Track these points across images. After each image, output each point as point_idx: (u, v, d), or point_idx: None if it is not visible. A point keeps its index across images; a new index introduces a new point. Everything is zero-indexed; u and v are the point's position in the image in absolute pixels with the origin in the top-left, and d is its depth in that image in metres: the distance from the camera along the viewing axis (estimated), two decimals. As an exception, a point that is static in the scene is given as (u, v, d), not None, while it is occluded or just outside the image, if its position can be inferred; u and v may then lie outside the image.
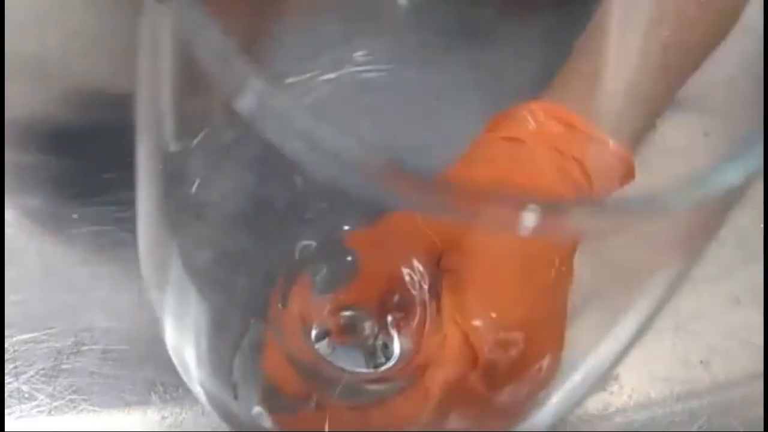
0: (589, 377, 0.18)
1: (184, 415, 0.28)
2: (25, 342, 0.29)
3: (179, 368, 0.19)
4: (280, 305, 0.20)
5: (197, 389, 0.19)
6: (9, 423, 0.27)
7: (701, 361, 0.32)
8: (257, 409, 0.19)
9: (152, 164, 0.17)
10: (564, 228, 0.11)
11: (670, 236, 0.14)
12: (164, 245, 0.17)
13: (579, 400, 0.19)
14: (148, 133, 0.16)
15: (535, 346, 0.19)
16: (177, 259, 0.17)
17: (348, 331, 0.21)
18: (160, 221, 0.17)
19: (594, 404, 0.30)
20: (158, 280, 0.18)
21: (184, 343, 0.18)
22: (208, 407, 0.19)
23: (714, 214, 0.14)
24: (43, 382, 0.28)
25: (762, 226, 0.34)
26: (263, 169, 0.18)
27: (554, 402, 0.18)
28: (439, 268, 0.20)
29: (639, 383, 0.31)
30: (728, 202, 0.13)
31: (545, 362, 0.19)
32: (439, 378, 0.19)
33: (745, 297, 0.33)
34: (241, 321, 0.20)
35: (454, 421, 0.20)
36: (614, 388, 0.31)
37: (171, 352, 0.19)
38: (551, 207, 0.10)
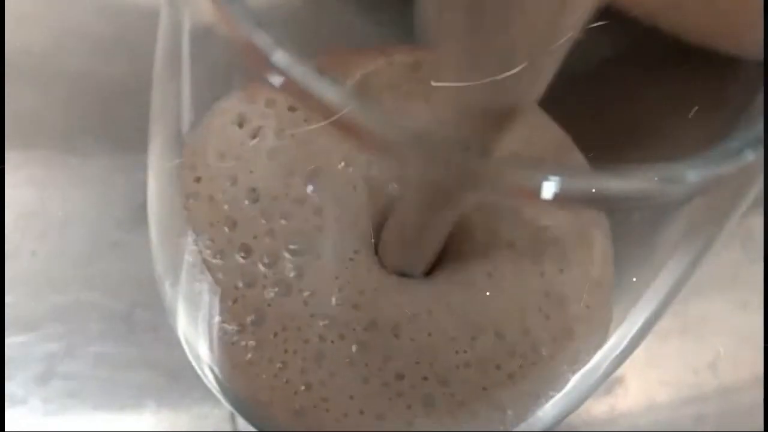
0: (592, 376, 0.17)
1: (179, 418, 0.28)
2: (18, 344, 0.28)
3: (189, 353, 0.19)
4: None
5: (207, 373, 0.19)
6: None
7: (708, 365, 0.32)
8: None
9: (167, 153, 0.16)
10: (581, 197, 0.10)
11: (679, 227, 0.14)
12: (178, 235, 0.17)
13: (582, 401, 0.19)
14: (162, 122, 0.16)
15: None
16: (191, 248, 0.17)
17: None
18: (174, 211, 0.17)
19: (599, 407, 0.30)
20: (171, 270, 0.18)
21: (196, 330, 0.18)
22: (217, 395, 0.19)
23: (724, 201, 0.14)
24: (36, 385, 0.28)
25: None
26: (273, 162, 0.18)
27: (557, 402, 0.18)
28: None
29: (645, 387, 0.31)
30: (739, 187, 0.13)
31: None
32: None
33: (753, 300, 0.33)
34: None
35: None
36: (620, 391, 0.31)
37: (181, 338, 0.19)
38: (570, 176, 0.10)
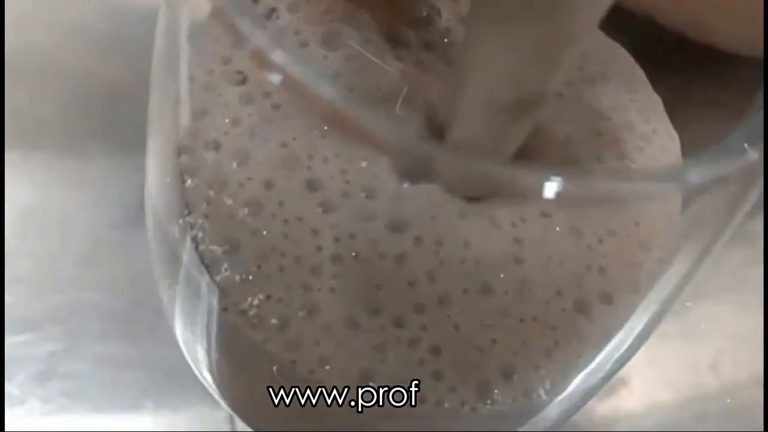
0: (596, 377, 0.17)
1: (178, 418, 0.28)
2: (18, 344, 0.28)
3: (187, 356, 0.19)
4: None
5: (205, 376, 0.19)
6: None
7: (709, 365, 0.32)
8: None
9: (165, 153, 0.16)
10: (584, 198, 0.10)
11: (682, 226, 0.14)
12: (176, 238, 0.17)
13: (586, 401, 0.18)
14: (160, 121, 0.16)
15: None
16: (189, 250, 0.17)
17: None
18: (172, 214, 0.17)
19: (602, 408, 0.30)
20: (169, 272, 0.18)
21: (194, 333, 0.18)
22: (215, 397, 0.19)
23: (726, 201, 0.14)
24: (36, 385, 0.28)
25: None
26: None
27: (560, 402, 0.18)
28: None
29: (647, 387, 0.31)
30: (741, 187, 0.13)
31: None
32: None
33: (754, 301, 0.33)
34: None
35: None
36: (622, 392, 0.30)
37: (180, 341, 0.19)
38: (574, 177, 0.10)
